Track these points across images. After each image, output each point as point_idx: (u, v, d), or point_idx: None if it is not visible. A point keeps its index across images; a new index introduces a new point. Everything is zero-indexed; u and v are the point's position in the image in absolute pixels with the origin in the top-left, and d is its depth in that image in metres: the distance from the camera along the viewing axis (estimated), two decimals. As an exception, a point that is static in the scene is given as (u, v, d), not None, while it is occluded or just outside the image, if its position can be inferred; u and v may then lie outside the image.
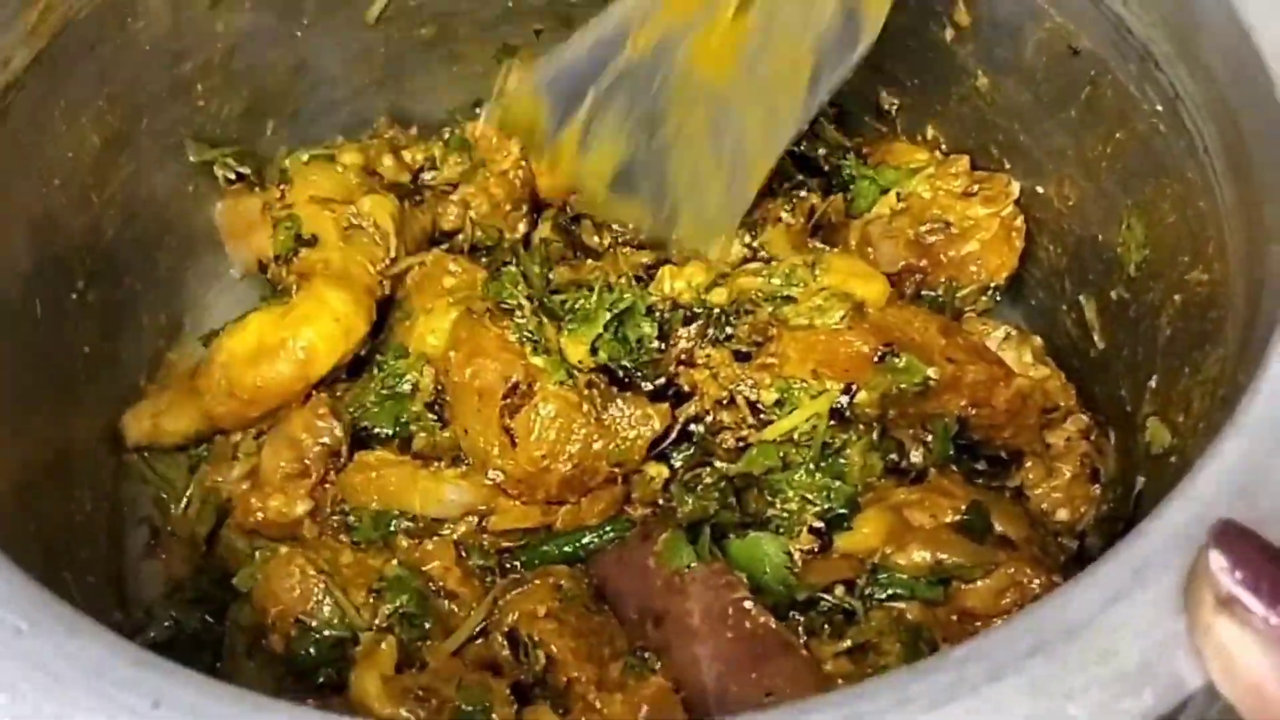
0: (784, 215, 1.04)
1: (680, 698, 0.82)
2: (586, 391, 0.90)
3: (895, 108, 1.13)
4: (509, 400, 0.89)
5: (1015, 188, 1.04)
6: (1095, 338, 0.99)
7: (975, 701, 0.50)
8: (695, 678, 0.81)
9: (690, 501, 0.91)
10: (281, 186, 1.04)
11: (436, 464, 0.94)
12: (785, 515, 0.90)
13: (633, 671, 0.83)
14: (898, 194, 1.07)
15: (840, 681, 0.81)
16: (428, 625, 0.88)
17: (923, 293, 1.06)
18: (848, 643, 0.84)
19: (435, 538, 0.92)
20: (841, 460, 0.90)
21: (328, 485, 0.95)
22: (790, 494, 0.90)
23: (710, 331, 0.95)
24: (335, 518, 0.94)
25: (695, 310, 0.95)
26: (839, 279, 0.95)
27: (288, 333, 0.94)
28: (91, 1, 0.90)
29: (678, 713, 0.81)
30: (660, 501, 0.94)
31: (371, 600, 0.89)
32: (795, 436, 0.91)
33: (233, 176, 1.08)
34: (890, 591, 0.86)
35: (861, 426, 0.91)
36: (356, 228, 1.01)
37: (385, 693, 0.79)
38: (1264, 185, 0.73)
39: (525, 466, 0.89)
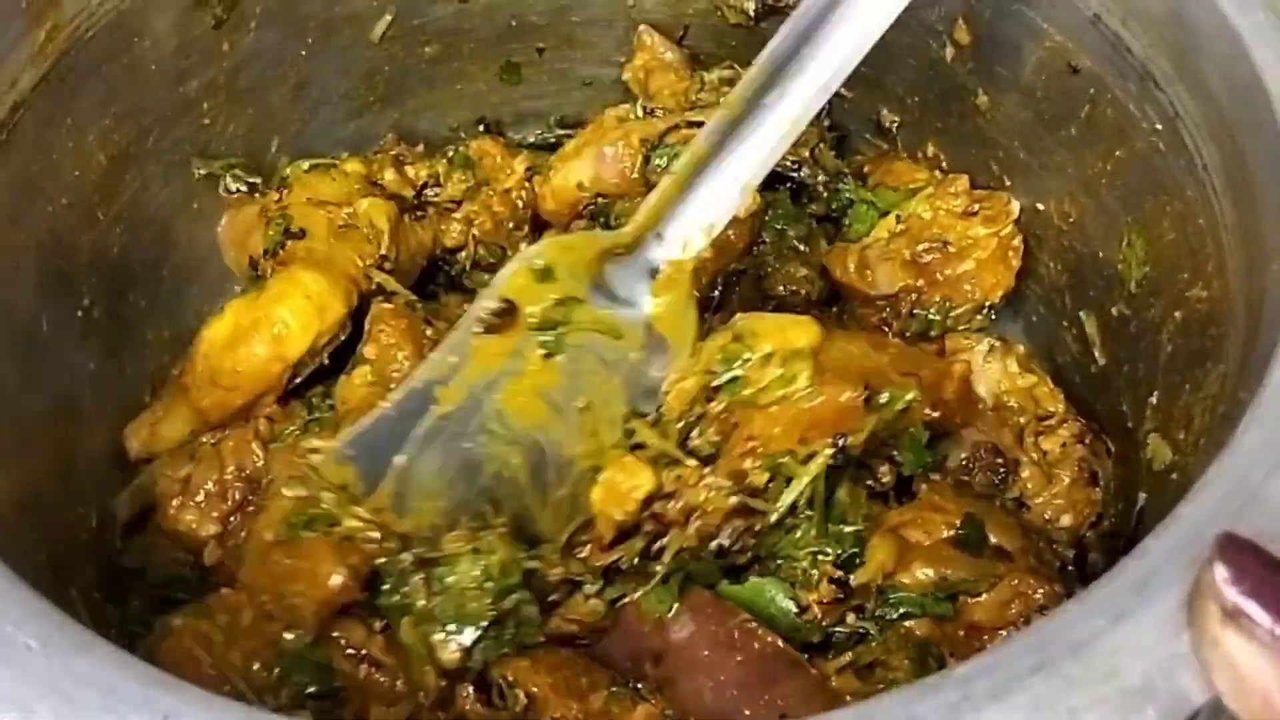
0: None
1: None
2: None
3: (896, 125, 1.13)
4: None
5: (1015, 207, 1.04)
6: (1096, 354, 0.99)
7: None
8: (705, 706, 0.80)
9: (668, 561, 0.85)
10: (281, 191, 1.05)
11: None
12: (798, 571, 0.86)
13: (616, 699, 0.80)
14: (897, 216, 1.07)
15: (849, 698, 0.80)
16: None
17: (915, 312, 1.05)
18: (852, 658, 0.83)
19: None
20: (836, 506, 0.87)
21: (248, 510, 0.93)
22: (799, 554, 0.86)
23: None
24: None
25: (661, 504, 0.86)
26: (777, 338, 0.86)
27: (261, 313, 0.95)
28: (98, 22, 0.90)
29: None
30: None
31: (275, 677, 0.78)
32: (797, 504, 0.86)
33: (244, 188, 1.08)
34: (902, 610, 0.85)
35: (840, 468, 0.87)
36: (350, 227, 1.01)
37: None
38: (1263, 203, 0.73)
39: None
